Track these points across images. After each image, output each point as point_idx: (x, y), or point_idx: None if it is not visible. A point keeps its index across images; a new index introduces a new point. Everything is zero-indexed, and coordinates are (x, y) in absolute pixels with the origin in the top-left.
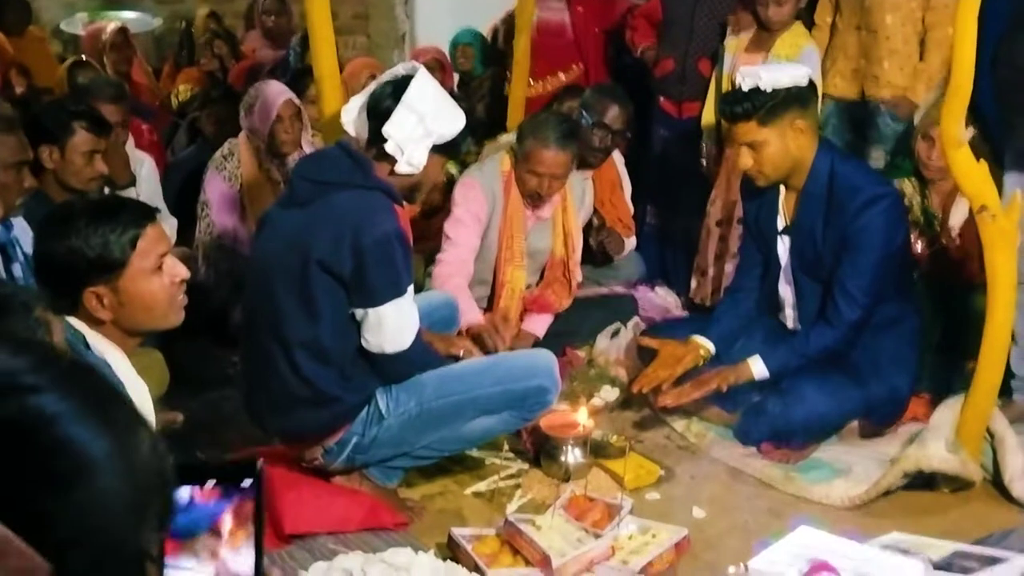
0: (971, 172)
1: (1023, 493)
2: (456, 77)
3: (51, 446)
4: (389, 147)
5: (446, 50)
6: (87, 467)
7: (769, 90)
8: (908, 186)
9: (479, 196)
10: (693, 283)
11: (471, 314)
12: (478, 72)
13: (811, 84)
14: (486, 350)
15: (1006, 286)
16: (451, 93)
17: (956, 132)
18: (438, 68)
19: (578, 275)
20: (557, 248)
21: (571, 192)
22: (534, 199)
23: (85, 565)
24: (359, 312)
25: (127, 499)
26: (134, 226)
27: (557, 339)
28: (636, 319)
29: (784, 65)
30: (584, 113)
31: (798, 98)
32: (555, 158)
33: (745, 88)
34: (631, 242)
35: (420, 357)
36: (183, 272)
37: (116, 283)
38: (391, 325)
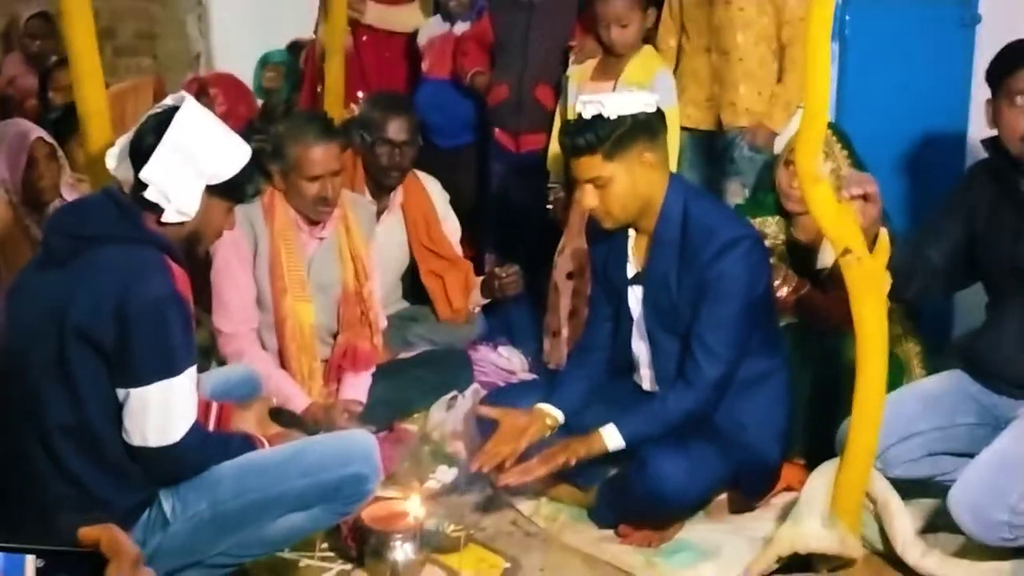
0: (832, 211)
1: (920, 560)
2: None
3: None
4: (150, 193)
5: (250, 71)
6: None
7: (614, 118)
8: (772, 225)
9: (236, 228)
10: (546, 345)
11: (299, 400)
12: (284, 95)
13: (659, 112)
14: None
15: (876, 335)
16: (250, 124)
17: (813, 166)
18: (212, 96)
19: (380, 313)
20: (347, 277)
21: (353, 210)
22: (322, 207)
23: None
24: (121, 393)
25: None
26: None
27: (383, 411)
28: (475, 385)
29: (629, 91)
30: (362, 133)
31: (646, 127)
32: (326, 153)
33: (587, 116)
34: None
35: (196, 456)
36: None
37: None
38: (156, 412)
